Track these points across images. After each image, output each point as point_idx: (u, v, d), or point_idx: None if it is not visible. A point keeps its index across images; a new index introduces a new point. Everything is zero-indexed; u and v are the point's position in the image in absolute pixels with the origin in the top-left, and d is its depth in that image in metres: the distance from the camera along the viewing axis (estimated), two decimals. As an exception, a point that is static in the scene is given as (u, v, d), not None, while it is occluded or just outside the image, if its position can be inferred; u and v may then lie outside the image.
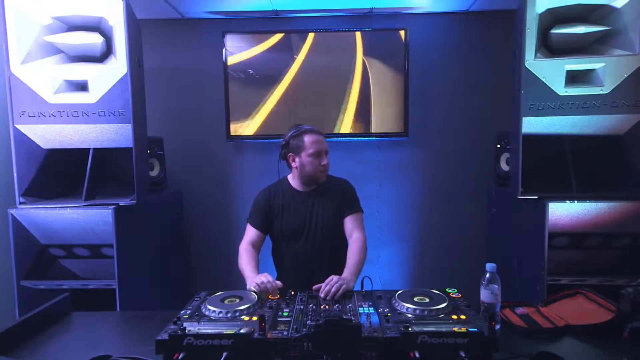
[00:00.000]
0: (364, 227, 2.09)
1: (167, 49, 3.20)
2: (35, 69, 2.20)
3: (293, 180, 2.09)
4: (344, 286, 1.62)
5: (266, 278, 1.66)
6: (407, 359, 1.15)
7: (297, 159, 2.00)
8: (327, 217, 2.03)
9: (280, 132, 3.11)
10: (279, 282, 1.67)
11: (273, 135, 3.14)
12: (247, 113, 3.11)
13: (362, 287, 1.84)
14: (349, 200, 2.09)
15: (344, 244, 2.08)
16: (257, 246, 2.04)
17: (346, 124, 3.10)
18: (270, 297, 1.59)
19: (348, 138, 3.13)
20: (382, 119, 3.10)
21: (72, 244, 2.40)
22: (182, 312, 1.43)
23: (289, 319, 1.36)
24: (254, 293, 1.58)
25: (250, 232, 2.06)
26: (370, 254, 3.28)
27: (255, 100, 3.11)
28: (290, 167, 2.06)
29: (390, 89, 3.08)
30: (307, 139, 1.96)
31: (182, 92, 3.24)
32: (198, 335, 1.18)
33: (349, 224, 2.06)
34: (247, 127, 3.12)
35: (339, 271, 1.82)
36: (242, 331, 1.22)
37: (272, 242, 2.14)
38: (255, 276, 1.75)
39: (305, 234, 2.03)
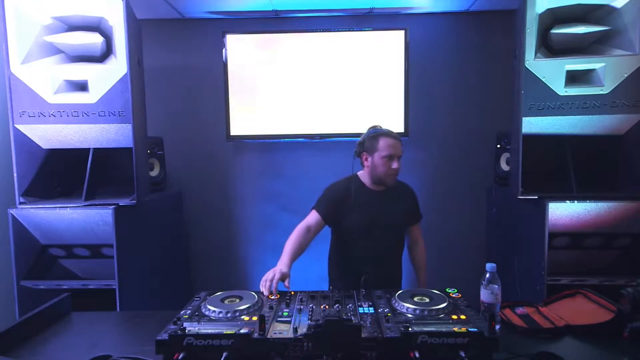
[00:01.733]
0: None
1: (167, 49, 3.20)
2: (35, 69, 2.20)
3: (364, 177, 2.12)
4: None
5: (272, 274, 1.68)
6: (407, 359, 1.15)
7: (369, 159, 2.04)
8: (394, 218, 2.09)
9: (280, 132, 3.13)
10: (284, 283, 1.71)
11: (273, 135, 3.14)
12: (247, 113, 3.11)
13: (362, 287, 1.84)
14: (416, 208, 2.21)
15: (400, 245, 2.19)
16: (313, 232, 2.02)
17: (346, 124, 3.10)
18: (269, 296, 1.59)
19: (348, 138, 3.12)
20: (382, 119, 3.09)
21: (72, 244, 2.40)
22: (182, 312, 1.43)
23: (289, 319, 1.36)
24: (253, 293, 1.58)
25: (314, 219, 2.04)
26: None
27: (256, 100, 3.11)
28: (362, 165, 2.11)
29: (390, 89, 3.08)
30: (382, 141, 2.00)
31: (182, 92, 3.24)
32: (198, 335, 1.18)
33: (416, 231, 2.24)
34: (247, 127, 3.12)
35: (392, 271, 2.14)
36: (242, 331, 1.22)
37: (334, 237, 2.17)
38: (281, 263, 1.80)
39: (373, 232, 2.05)
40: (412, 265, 2.30)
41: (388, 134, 2.03)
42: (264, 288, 1.65)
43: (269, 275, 1.69)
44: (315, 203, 2.11)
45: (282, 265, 1.80)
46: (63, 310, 1.65)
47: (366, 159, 2.06)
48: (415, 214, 2.21)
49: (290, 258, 1.87)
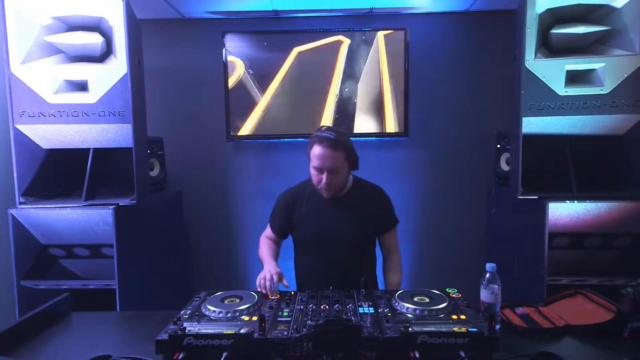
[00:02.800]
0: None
1: (167, 49, 3.20)
2: (35, 69, 2.20)
3: None
4: None
5: (269, 274, 1.64)
6: (407, 359, 1.15)
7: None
8: (353, 227, 1.86)
9: (280, 132, 3.13)
10: (282, 282, 1.66)
11: (273, 135, 3.14)
12: (247, 113, 3.11)
13: (362, 287, 1.84)
14: (388, 214, 1.96)
15: (368, 256, 1.97)
16: (276, 242, 2.01)
17: (346, 124, 3.10)
18: (269, 296, 1.59)
19: (348, 138, 3.13)
20: (382, 119, 3.10)
21: (72, 244, 2.40)
22: (182, 312, 1.43)
23: (289, 319, 1.36)
24: (253, 293, 1.58)
25: (268, 231, 2.02)
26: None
27: (256, 100, 3.11)
28: None
29: (390, 89, 3.08)
30: (314, 149, 1.75)
31: (182, 92, 3.24)
32: (198, 335, 1.18)
33: (389, 240, 1.99)
34: (247, 127, 3.12)
35: (356, 284, 1.71)
36: (242, 331, 1.22)
37: (294, 249, 2.02)
38: (269, 264, 1.76)
39: (327, 244, 1.87)
40: (384, 281, 1.99)
41: (321, 140, 1.72)
42: (264, 289, 1.62)
43: (265, 276, 1.64)
44: (270, 213, 2.02)
45: (271, 266, 1.74)
46: (63, 310, 1.65)
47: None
48: (385, 221, 1.95)
49: (274, 260, 1.85)
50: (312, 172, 1.81)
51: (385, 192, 2.00)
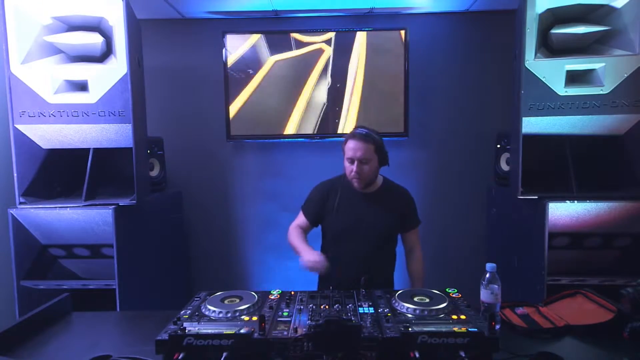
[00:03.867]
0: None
1: (167, 49, 3.20)
2: (35, 69, 2.20)
3: None
4: None
5: (319, 258, 1.85)
6: (407, 359, 1.15)
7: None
8: (381, 222, 2.02)
9: (280, 132, 3.13)
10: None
11: (273, 135, 3.14)
12: (247, 113, 3.12)
13: (362, 287, 1.84)
14: (412, 214, 2.13)
15: (391, 253, 2.12)
16: (305, 231, 2.12)
17: (346, 124, 3.10)
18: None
19: (348, 138, 3.13)
20: (382, 119, 3.10)
21: (72, 244, 2.40)
22: (182, 312, 1.43)
23: (289, 319, 1.36)
24: (253, 293, 1.58)
25: (301, 219, 2.13)
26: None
27: (256, 100, 3.11)
28: None
29: (390, 89, 3.08)
30: (348, 143, 1.97)
31: (182, 92, 3.24)
32: (198, 335, 1.18)
33: (411, 237, 2.15)
34: (247, 127, 3.12)
35: (380, 277, 2.01)
36: (242, 331, 1.22)
37: (322, 237, 2.15)
38: (309, 250, 1.92)
39: (355, 236, 2.01)
40: (408, 274, 2.20)
41: (354, 135, 1.97)
42: (318, 267, 1.84)
43: (313, 257, 1.86)
44: (303, 202, 2.15)
45: (312, 251, 1.92)
46: (63, 310, 1.65)
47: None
48: (410, 221, 2.12)
49: (307, 245, 1.98)
50: (346, 164, 2.00)
51: (411, 194, 2.16)
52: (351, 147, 1.95)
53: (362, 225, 2.01)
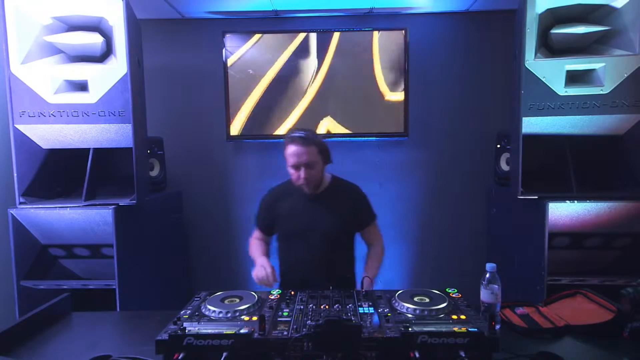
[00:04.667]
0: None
1: (167, 49, 3.20)
2: (35, 69, 2.20)
3: None
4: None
5: (265, 275, 1.81)
6: (407, 359, 1.15)
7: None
8: (333, 223, 1.98)
9: (280, 132, 3.13)
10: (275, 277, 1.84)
11: (273, 136, 3.14)
12: (247, 113, 3.11)
13: (362, 287, 1.84)
14: (365, 211, 2.07)
15: (347, 252, 2.07)
16: (265, 242, 2.15)
17: (346, 124, 3.10)
18: (270, 287, 1.74)
19: (348, 138, 3.13)
20: (382, 119, 3.10)
21: (72, 244, 2.40)
22: (182, 312, 1.43)
23: (289, 319, 1.36)
24: (253, 293, 1.58)
25: (257, 233, 2.15)
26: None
27: (255, 100, 3.11)
28: None
29: (390, 89, 3.08)
30: (288, 149, 1.89)
31: (182, 92, 3.24)
32: (198, 335, 1.18)
33: (371, 232, 2.10)
34: (247, 127, 3.12)
35: (336, 277, 1.87)
36: (242, 331, 1.22)
37: (277, 243, 2.14)
38: (260, 263, 1.88)
39: (307, 239, 1.97)
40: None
41: (293, 140, 1.88)
42: (263, 282, 1.79)
43: (260, 272, 1.83)
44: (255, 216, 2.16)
45: (262, 260, 1.89)
46: (63, 310, 1.65)
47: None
48: (363, 217, 2.07)
49: (264, 256, 1.98)
50: (290, 171, 1.93)
51: (361, 190, 2.10)
52: (294, 153, 1.87)
53: (314, 227, 1.96)
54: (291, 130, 1.98)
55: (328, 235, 1.97)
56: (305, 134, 1.91)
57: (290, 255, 2.05)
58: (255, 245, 2.09)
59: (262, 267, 1.84)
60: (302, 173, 1.88)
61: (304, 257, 1.99)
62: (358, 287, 1.95)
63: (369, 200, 2.10)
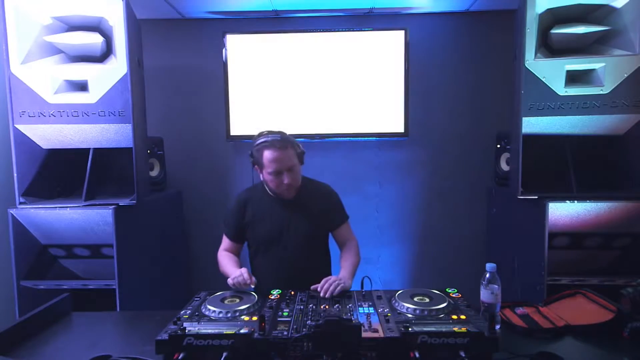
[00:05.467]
0: (354, 231, 2.04)
1: (167, 49, 3.20)
2: (35, 69, 2.20)
3: (269, 189, 1.94)
4: (341, 284, 1.61)
5: (241, 274, 1.67)
6: (407, 359, 1.15)
7: (261, 174, 1.89)
8: (304, 227, 1.91)
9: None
10: (253, 279, 1.69)
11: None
12: (247, 113, 3.11)
13: (362, 287, 1.84)
14: (336, 211, 2.00)
15: (322, 254, 2.02)
16: (234, 251, 2.00)
17: (347, 124, 3.10)
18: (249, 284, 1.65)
19: (348, 138, 3.13)
20: (382, 119, 3.10)
21: (72, 244, 2.40)
22: (182, 312, 1.43)
23: (289, 319, 1.36)
24: (253, 293, 1.58)
25: (225, 243, 2.01)
26: (370, 254, 3.27)
27: (256, 100, 3.11)
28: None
29: (390, 89, 3.08)
30: (266, 155, 1.79)
31: (182, 92, 3.24)
32: (198, 335, 1.18)
33: (341, 234, 2.00)
34: (247, 127, 3.12)
35: (312, 283, 1.67)
36: (242, 331, 1.22)
37: (248, 250, 2.05)
38: (233, 270, 1.75)
39: (281, 244, 1.91)
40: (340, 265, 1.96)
41: (271, 144, 1.78)
42: (239, 284, 1.65)
43: (235, 275, 1.68)
44: (223, 225, 2.02)
45: (233, 272, 1.73)
46: (63, 310, 1.65)
47: (260, 172, 1.88)
48: (335, 217, 1.99)
49: (233, 265, 1.84)
50: (269, 177, 1.83)
51: (333, 189, 2.04)
52: (274, 159, 1.77)
53: (286, 231, 1.90)
54: (262, 134, 1.85)
55: (302, 240, 1.91)
56: (281, 137, 1.82)
57: (263, 262, 1.96)
58: (225, 259, 1.92)
59: (236, 271, 1.72)
60: (285, 179, 1.80)
61: (278, 264, 1.91)
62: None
63: (341, 200, 2.03)
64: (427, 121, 3.22)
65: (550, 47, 2.25)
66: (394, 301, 1.47)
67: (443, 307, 1.40)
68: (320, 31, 3.07)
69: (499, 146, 2.78)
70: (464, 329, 1.22)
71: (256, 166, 1.89)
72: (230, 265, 1.85)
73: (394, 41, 3.05)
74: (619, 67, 2.13)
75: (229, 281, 1.70)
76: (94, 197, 2.36)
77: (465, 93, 3.20)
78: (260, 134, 1.87)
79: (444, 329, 1.21)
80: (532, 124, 2.23)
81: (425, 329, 1.23)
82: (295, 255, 1.91)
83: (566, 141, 2.34)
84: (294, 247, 1.91)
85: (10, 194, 2.28)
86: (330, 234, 2.05)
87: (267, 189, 1.95)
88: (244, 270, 1.71)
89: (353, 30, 3.07)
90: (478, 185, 3.16)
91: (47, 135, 2.29)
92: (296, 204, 1.92)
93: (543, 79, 2.18)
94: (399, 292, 1.55)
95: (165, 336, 1.21)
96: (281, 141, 1.80)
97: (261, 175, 1.91)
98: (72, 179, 2.47)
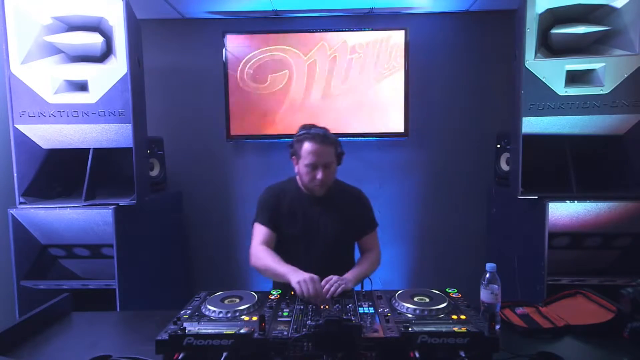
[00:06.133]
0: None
1: (167, 49, 3.20)
2: (35, 69, 2.20)
3: (301, 182, 1.94)
4: (342, 285, 1.58)
5: (308, 277, 1.53)
6: (407, 359, 1.15)
7: (297, 165, 1.88)
8: (334, 227, 1.89)
9: (281, 132, 3.13)
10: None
11: (273, 135, 3.14)
12: (247, 113, 3.11)
13: (362, 287, 1.84)
14: (367, 217, 1.97)
15: (346, 257, 1.99)
16: (271, 245, 1.86)
17: (347, 125, 3.10)
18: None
19: (348, 138, 3.13)
20: (382, 119, 3.10)
21: (72, 244, 2.40)
22: (182, 312, 1.43)
23: (289, 319, 1.36)
24: (253, 293, 1.57)
25: (262, 232, 1.86)
26: (370, 254, 3.22)
27: (256, 100, 3.11)
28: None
29: (390, 89, 3.08)
30: (306, 147, 1.78)
31: (182, 92, 3.24)
32: (198, 335, 1.17)
33: (367, 242, 1.97)
34: (247, 127, 3.11)
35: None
36: (242, 331, 1.22)
37: (276, 243, 1.94)
38: (298, 272, 1.59)
39: (308, 242, 1.88)
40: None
41: (313, 137, 1.77)
42: (312, 295, 1.49)
43: (310, 287, 1.51)
44: (254, 216, 1.93)
45: (301, 272, 1.60)
46: (63, 310, 1.65)
47: (295, 164, 1.87)
48: (365, 224, 1.96)
49: (288, 265, 1.68)
50: (304, 170, 1.81)
51: (365, 194, 2.01)
52: (313, 151, 1.76)
53: (315, 231, 1.87)
54: (306, 126, 1.84)
55: (331, 240, 1.89)
56: (324, 132, 1.81)
57: (287, 258, 1.82)
58: (268, 255, 1.77)
59: (306, 280, 1.53)
60: (319, 174, 1.78)
61: (301, 262, 1.79)
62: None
63: (372, 207, 2.01)
64: (427, 121, 3.22)
65: (550, 47, 2.25)
66: (394, 301, 1.47)
67: (443, 307, 1.40)
68: (320, 31, 3.07)
69: (499, 146, 2.78)
70: (464, 329, 1.22)
71: (293, 157, 1.89)
72: (279, 263, 1.70)
73: (393, 41, 3.04)
74: (619, 67, 2.13)
75: (297, 290, 1.52)
76: (94, 197, 2.36)
77: (465, 93, 3.20)
78: (304, 126, 1.86)
79: (444, 329, 1.21)
80: (532, 124, 2.23)
81: (425, 329, 1.22)
82: (322, 254, 1.88)
83: (566, 141, 2.34)
84: (319, 247, 1.88)
85: (10, 194, 2.28)
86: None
87: (300, 184, 1.94)
88: (316, 278, 1.53)
89: (353, 30, 3.07)
90: (478, 185, 3.15)
91: (47, 135, 2.29)
92: (328, 203, 1.90)
93: (543, 79, 2.18)
94: (399, 292, 1.55)
95: (165, 336, 1.21)
96: (323, 136, 1.80)
97: (296, 168, 1.89)
98: (72, 179, 2.47)
